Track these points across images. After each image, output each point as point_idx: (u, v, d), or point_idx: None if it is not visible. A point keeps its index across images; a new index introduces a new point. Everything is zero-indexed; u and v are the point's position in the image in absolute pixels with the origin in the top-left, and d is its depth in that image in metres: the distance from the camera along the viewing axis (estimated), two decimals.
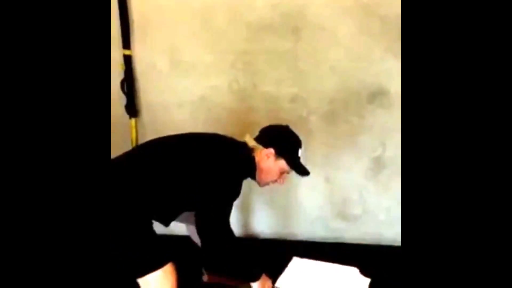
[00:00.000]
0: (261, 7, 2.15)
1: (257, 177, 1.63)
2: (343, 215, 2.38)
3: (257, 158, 1.60)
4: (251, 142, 1.60)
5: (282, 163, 1.61)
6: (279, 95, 2.24)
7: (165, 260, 1.38)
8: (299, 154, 1.64)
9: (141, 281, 1.37)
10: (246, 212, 2.43)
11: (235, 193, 1.49)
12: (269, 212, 2.43)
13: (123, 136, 2.35)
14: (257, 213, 2.44)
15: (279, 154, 1.59)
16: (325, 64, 2.19)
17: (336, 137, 2.27)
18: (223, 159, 1.51)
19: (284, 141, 1.62)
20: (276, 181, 1.67)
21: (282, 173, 1.64)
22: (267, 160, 1.59)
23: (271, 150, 1.58)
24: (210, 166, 1.48)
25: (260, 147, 1.59)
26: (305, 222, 2.41)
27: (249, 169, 1.60)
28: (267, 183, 1.67)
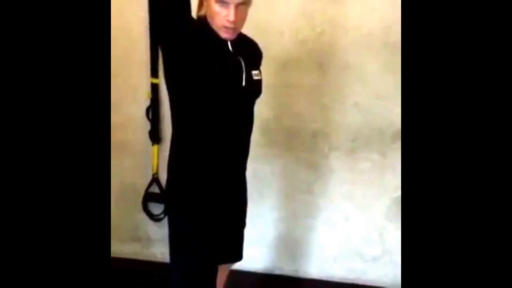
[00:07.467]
0: (288, 42, 2.19)
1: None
2: (361, 255, 2.31)
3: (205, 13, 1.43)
4: None
5: None
6: (301, 130, 2.25)
7: None
8: None
9: None
10: (263, 247, 2.39)
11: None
12: (285, 248, 2.39)
13: (145, 162, 2.39)
14: (273, 249, 2.41)
15: None
16: (349, 100, 2.19)
17: (357, 174, 2.24)
18: None
19: None
20: (226, 22, 1.37)
21: (220, 4, 1.35)
22: (207, 6, 1.40)
23: None
24: None
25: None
26: (323, 260, 2.36)
27: (198, 27, 1.43)
28: (220, 28, 1.39)
